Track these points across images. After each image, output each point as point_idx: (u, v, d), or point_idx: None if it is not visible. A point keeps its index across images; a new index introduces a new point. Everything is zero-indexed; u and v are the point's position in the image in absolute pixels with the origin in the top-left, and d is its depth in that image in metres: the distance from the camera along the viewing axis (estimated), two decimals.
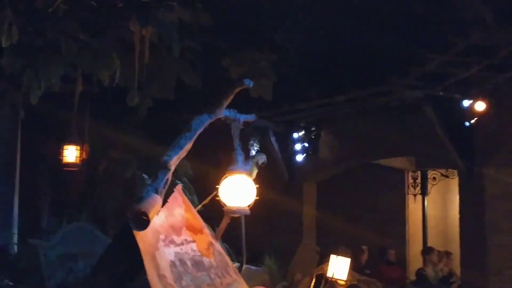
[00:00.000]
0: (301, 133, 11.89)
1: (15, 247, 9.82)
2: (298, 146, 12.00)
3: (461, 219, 10.11)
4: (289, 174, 12.45)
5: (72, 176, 11.11)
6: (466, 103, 9.35)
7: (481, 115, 9.23)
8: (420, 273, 10.90)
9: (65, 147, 9.88)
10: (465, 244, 10.01)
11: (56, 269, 8.46)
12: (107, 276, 6.56)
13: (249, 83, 6.22)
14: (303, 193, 12.57)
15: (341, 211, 13.43)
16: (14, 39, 6.51)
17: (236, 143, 6.55)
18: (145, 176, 11.32)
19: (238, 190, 6.45)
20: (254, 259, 11.19)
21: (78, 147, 9.88)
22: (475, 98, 9.20)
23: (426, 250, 11.52)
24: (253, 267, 10.11)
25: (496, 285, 9.49)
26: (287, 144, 12.18)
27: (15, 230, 10.12)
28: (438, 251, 11.54)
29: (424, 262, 11.27)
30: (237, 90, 6.44)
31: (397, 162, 13.39)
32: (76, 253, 8.72)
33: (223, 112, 6.49)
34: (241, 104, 7.57)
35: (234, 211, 6.65)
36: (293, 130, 12.01)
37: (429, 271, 10.92)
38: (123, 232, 6.48)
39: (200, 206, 7.56)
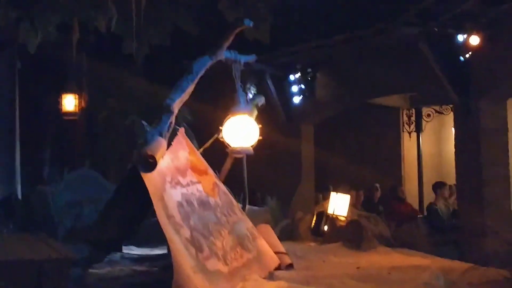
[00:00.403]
0: (297, 75, 11.91)
1: (19, 196, 9.94)
2: (294, 89, 12.04)
3: (456, 153, 10.21)
4: (287, 116, 12.51)
5: (72, 126, 11.17)
6: (461, 38, 9.38)
7: (476, 50, 9.27)
8: (431, 208, 10.97)
9: (63, 96, 9.94)
10: (461, 178, 10.14)
11: (63, 215, 8.62)
12: (115, 220, 6.71)
13: (249, 23, 6.28)
14: (301, 134, 12.65)
15: (339, 151, 13.57)
16: None
17: (238, 84, 6.65)
18: (145, 122, 11.36)
19: (241, 131, 6.58)
20: (255, 200, 11.38)
21: (77, 96, 9.94)
22: (469, 32, 9.23)
23: (438, 185, 11.53)
24: (255, 207, 10.28)
25: (492, 217, 9.65)
26: (283, 87, 12.21)
27: (18, 180, 10.21)
28: (450, 186, 11.59)
29: (436, 196, 11.29)
30: (236, 30, 6.50)
31: (391, 100, 13.45)
32: (82, 200, 8.87)
33: (223, 54, 6.55)
34: (238, 47, 7.61)
35: (238, 151, 6.79)
36: (289, 73, 12.03)
37: (441, 205, 10.99)
38: (129, 176, 6.61)
39: (202, 149, 7.68)
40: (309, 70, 11.66)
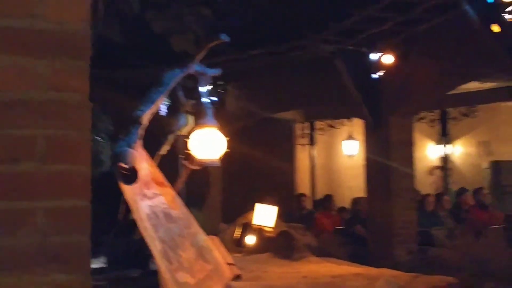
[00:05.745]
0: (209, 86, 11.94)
1: None
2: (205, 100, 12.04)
3: (367, 165, 10.77)
4: None
5: None
6: (374, 56, 9.94)
7: (388, 68, 9.87)
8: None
9: None
10: (371, 189, 10.71)
11: None
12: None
13: (226, 38, 6.28)
14: None
15: (243, 164, 13.74)
16: None
17: (205, 96, 6.62)
18: (98, 138, 10.88)
19: (208, 143, 6.57)
20: None
21: None
22: (383, 51, 9.80)
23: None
24: None
25: (399, 225, 10.31)
26: (195, 98, 12.18)
27: None
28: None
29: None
30: (211, 44, 6.48)
31: (287, 113, 13.89)
32: None
33: (194, 67, 6.51)
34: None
35: (204, 163, 6.75)
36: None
37: None
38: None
39: (158, 157, 7.51)
40: (220, 82, 11.74)
